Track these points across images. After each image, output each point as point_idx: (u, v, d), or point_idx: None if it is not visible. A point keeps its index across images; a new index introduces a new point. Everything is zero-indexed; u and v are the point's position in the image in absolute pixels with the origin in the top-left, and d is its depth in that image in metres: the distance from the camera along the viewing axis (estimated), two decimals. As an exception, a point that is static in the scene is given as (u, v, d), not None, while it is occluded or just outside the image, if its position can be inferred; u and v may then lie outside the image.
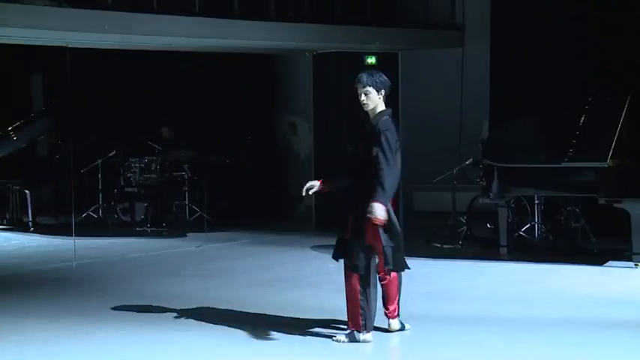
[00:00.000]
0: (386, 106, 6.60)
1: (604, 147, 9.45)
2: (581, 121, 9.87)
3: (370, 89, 6.54)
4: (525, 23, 12.21)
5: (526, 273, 9.29)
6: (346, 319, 6.48)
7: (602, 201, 9.49)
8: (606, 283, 8.68)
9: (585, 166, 9.54)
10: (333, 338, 6.50)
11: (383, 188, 6.23)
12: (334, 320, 7.08)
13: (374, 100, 6.55)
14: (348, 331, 6.48)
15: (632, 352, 6.17)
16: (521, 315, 7.29)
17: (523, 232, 11.04)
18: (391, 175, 6.29)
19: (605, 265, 9.61)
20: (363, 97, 6.55)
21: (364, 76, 6.57)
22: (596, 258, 9.94)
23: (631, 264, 9.37)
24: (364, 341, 6.40)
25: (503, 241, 10.14)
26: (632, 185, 9.41)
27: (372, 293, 6.42)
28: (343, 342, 6.42)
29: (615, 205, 9.46)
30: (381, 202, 6.22)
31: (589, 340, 6.47)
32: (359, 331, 6.41)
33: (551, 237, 10.97)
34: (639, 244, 9.32)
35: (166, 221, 12.85)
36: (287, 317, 7.23)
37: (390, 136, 6.36)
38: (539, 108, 10.95)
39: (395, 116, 14.86)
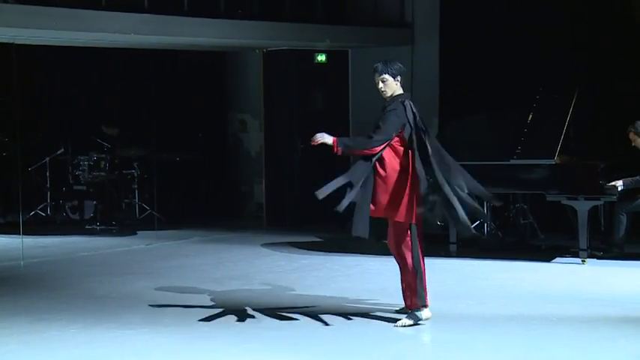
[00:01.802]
0: (404, 91, 6.92)
1: (551, 144, 9.57)
2: (529, 118, 9.98)
3: (387, 77, 6.83)
4: (474, 21, 12.32)
5: (475, 269, 9.37)
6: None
7: (549, 198, 9.61)
8: (554, 279, 8.79)
9: (533, 164, 9.65)
10: (395, 325, 6.75)
11: (353, 140, 6.91)
12: (286, 316, 7.09)
13: (391, 87, 6.85)
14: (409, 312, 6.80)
15: (580, 347, 6.26)
16: (471, 311, 7.36)
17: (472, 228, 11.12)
18: (367, 143, 6.64)
19: (553, 261, 9.74)
20: (380, 85, 6.85)
21: (380, 66, 6.86)
22: (544, 254, 10.08)
23: (578, 260, 9.50)
24: (426, 319, 6.79)
25: (452, 237, 10.21)
26: (578, 182, 9.54)
27: None
28: (407, 325, 6.74)
29: (562, 201, 9.60)
30: (337, 141, 6.65)
31: (538, 335, 6.55)
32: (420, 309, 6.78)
33: (500, 234, 11.07)
34: (585, 240, 9.46)
35: (116, 219, 12.75)
36: (238, 315, 7.21)
37: (389, 114, 6.69)
38: (488, 105, 11.06)
39: (345, 114, 14.87)
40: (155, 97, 12.90)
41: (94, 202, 12.79)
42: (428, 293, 6.85)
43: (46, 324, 6.99)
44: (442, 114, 12.63)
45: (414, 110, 6.82)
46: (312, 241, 11.47)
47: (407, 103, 6.81)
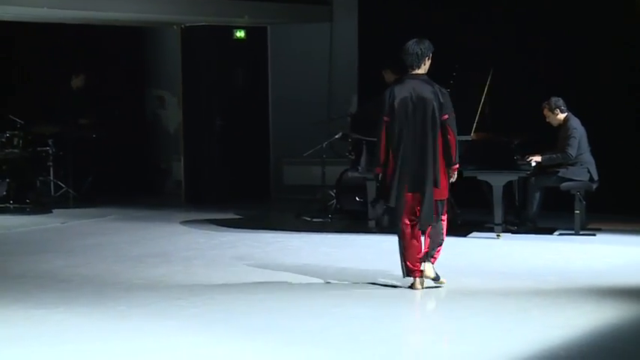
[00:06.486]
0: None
1: (467, 121, 9.70)
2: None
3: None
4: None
5: (393, 245, 9.43)
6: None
7: (466, 173, 9.74)
8: (470, 254, 8.93)
9: (450, 140, 9.74)
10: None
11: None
12: (204, 294, 7.07)
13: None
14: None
15: (494, 319, 6.36)
16: (385, 287, 7.43)
17: (390, 204, 11.21)
18: None
19: (469, 236, 9.90)
20: None
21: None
22: (460, 229, 10.19)
23: (493, 235, 9.68)
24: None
25: (371, 214, 10.29)
26: (493, 158, 9.70)
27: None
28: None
29: (478, 177, 9.75)
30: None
31: (454, 308, 6.68)
32: None
33: (417, 209, 11.17)
34: (500, 215, 9.64)
35: (30, 197, 12.51)
36: (156, 293, 7.17)
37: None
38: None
39: (264, 91, 14.80)
40: (70, 73, 12.69)
41: (7, 179, 12.52)
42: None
43: (-42, 304, 6.85)
44: (361, 91, 12.70)
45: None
46: (231, 218, 11.45)
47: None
